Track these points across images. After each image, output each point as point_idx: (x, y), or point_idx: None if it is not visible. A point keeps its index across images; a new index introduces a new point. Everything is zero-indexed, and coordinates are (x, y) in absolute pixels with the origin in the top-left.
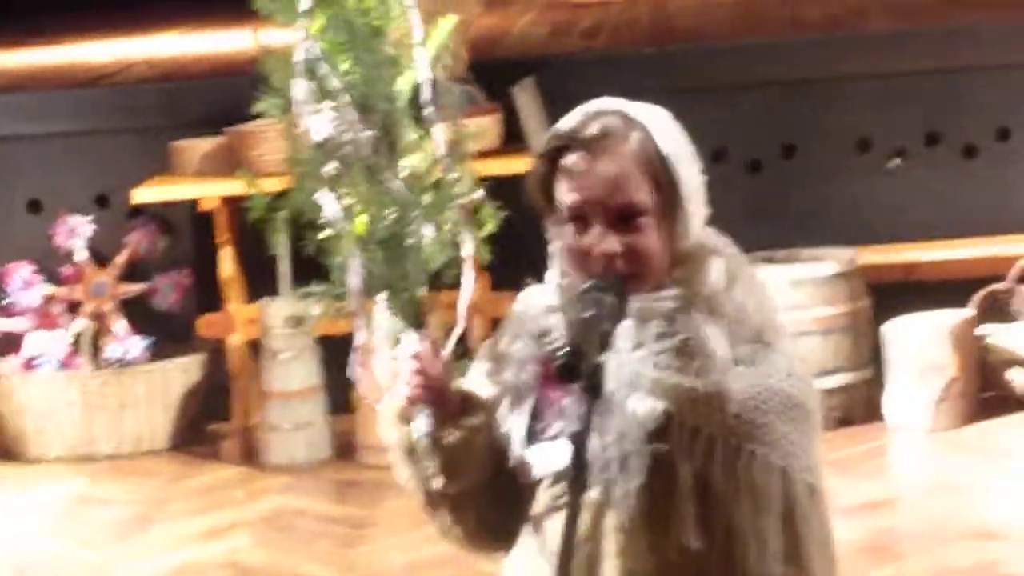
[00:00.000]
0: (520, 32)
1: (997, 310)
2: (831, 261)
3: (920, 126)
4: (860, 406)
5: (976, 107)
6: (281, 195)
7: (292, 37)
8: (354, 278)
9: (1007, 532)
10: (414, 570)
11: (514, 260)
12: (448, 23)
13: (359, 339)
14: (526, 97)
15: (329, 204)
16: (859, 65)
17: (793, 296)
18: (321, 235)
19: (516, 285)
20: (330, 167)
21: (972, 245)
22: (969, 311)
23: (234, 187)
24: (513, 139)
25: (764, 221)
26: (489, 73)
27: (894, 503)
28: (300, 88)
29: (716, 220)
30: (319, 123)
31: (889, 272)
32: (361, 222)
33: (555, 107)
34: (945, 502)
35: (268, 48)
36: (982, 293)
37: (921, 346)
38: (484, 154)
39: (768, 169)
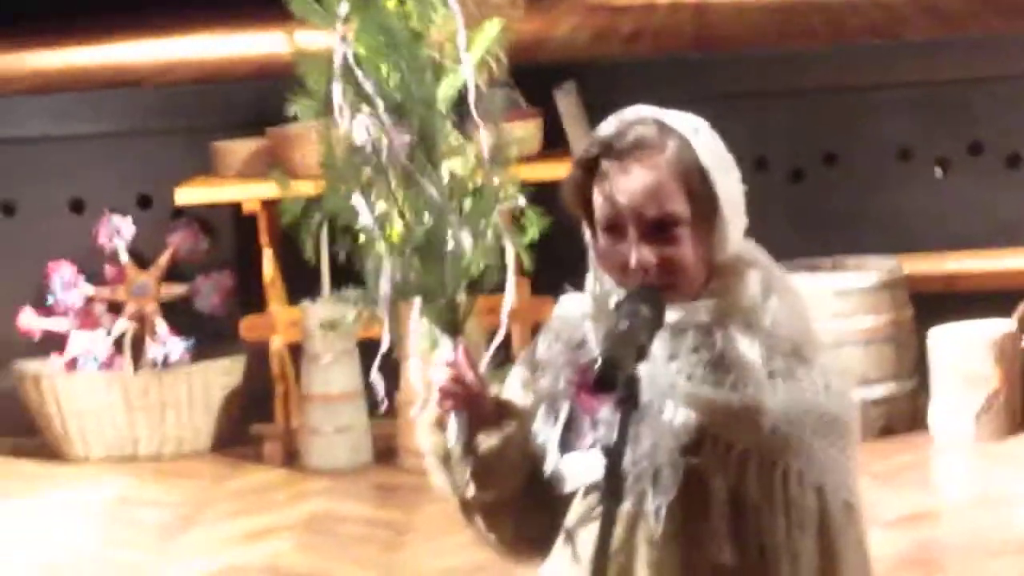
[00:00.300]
0: (562, 36)
1: None
2: (874, 270)
3: (963, 135)
4: (903, 417)
5: (1020, 116)
6: (316, 199)
7: (328, 39)
8: (384, 284)
9: None
10: (453, 575)
11: (554, 265)
12: (493, 27)
13: (384, 346)
14: (568, 102)
15: (363, 209)
16: (901, 73)
17: (836, 305)
18: (354, 240)
19: (556, 290)
20: (365, 172)
21: (1016, 255)
22: (1013, 322)
23: (276, 189)
24: (554, 144)
25: (806, 230)
26: (531, 78)
27: (937, 515)
28: (336, 92)
29: (758, 228)
30: (354, 127)
31: (932, 282)
32: (396, 228)
33: (596, 112)
34: (988, 514)
35: (304, 50)
36: None
37: (964, 357)
38: (525, 159)
39: (810, 178)
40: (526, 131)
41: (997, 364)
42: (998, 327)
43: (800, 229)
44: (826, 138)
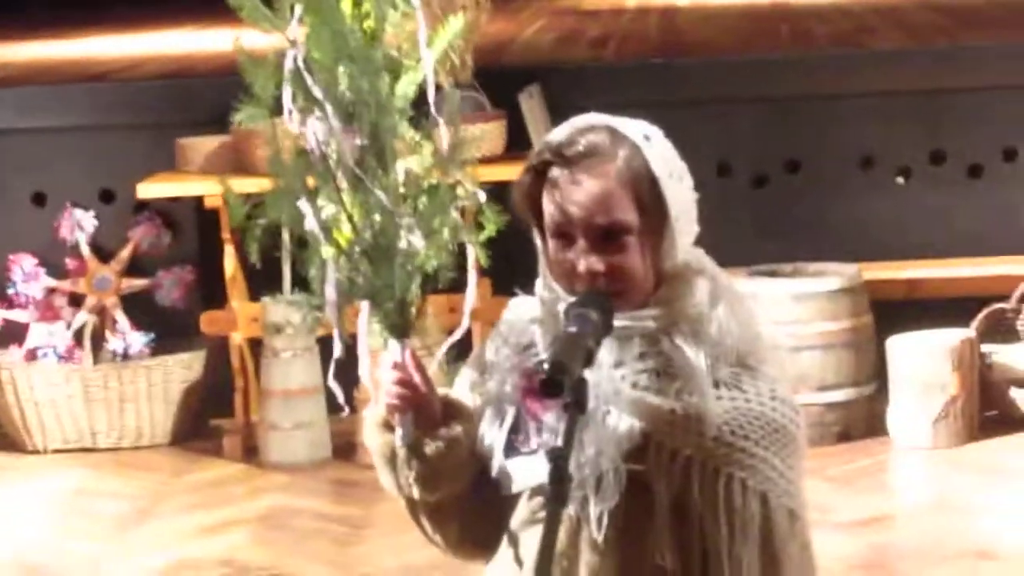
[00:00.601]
0: (528, 39)
1: (1000, 330)
2: (835, 276)
3: (925, 144)
4: (861, 422)
5: (982, 126)
6: (262, 202)
7: (278, 42)
8: (330, 290)
9: (1005, 552)
10: (409, 572)
11: (516, 265)
12: (456, 22)
13: (336, 352)
14: (531, 104)
15: (309, 214)
16: (865, 82)
17: (796, 310)
18: (301, 244)
19: (523, 289)
20: (311, 176)
21: (976, 264)
22: (971, 330)
23: (239, 185)
24: (518, 146)
25: (768, 236)
26: (495, 80)
27: (893, 519)
28: (285, 96)
29: (720, 233)
30: (305, 131)
31: (892, 289)
32: (344, 232)
33: (560, 115)
34: (945, 520)
35: (251, 56)
36: (985, 312)
37: (923, 364)
38: (488, 160)
39: (773, 184)
40: (489, 131)
41: (955, 371)
42: (956, 335)
43: (762, 235)
44: (790, 145)
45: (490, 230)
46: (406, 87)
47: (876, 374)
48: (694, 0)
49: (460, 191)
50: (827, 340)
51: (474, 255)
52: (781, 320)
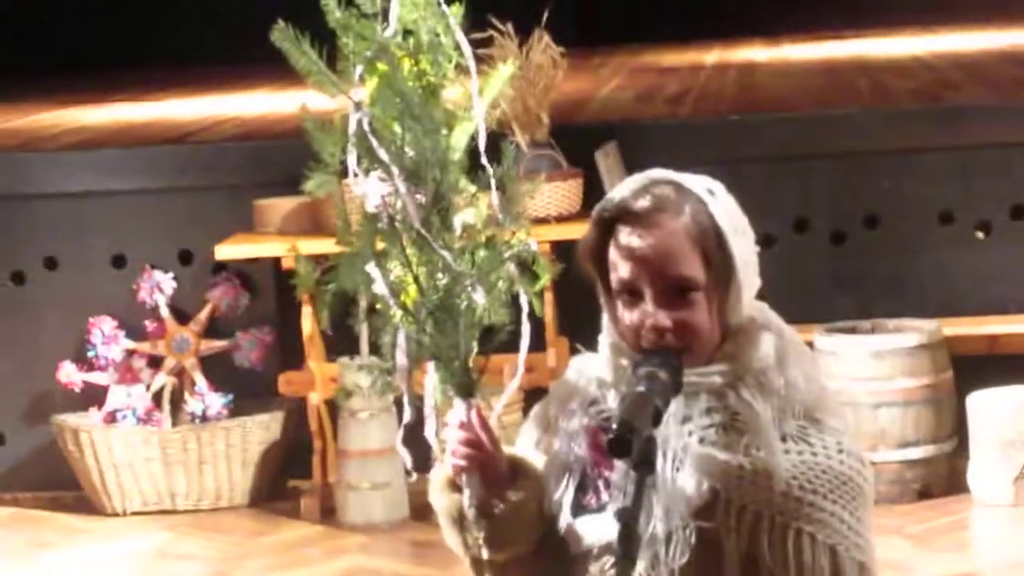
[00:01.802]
0: (605, 96)
1: None
2: (914, 332)
3: (1005, 199)
4: (941, 479)
5: None
6: (335, 266)
7: (342, 107)
8: (400, 357)
9: None
10: None
11: (594, 324)
12: (505, 71)
13: (407, 417)
14: (609, 162)
15: (378, 279)
16: (943, 137)
17: (875, 367)
18: (371, 309)
19: (586, 347)
20: (378, 240)
21: None
22: None
23: (315, 246)
24: (595, 204)
25: (847, 292)
26: (572, 137)
27: None
28: (351, 161)
29: (798, 289)
30: (369, 193)
31: (972, 344)
32: (410, 294)
33: (638, 172)
34: None
35: (316, 122)
36: None
37: (1004, 420)
38: (565, 218)
39: (851, 240)
40: (566, 190)
41: None
42: None
43: (841, 291)
44: (868, 200)
45: (544, 280)
46: (459, 138)
47: (956, 431)
48: (772, 56)
49: (513, 241)
50: (907, 397)
51: (536, 310)
52: (860, 377)
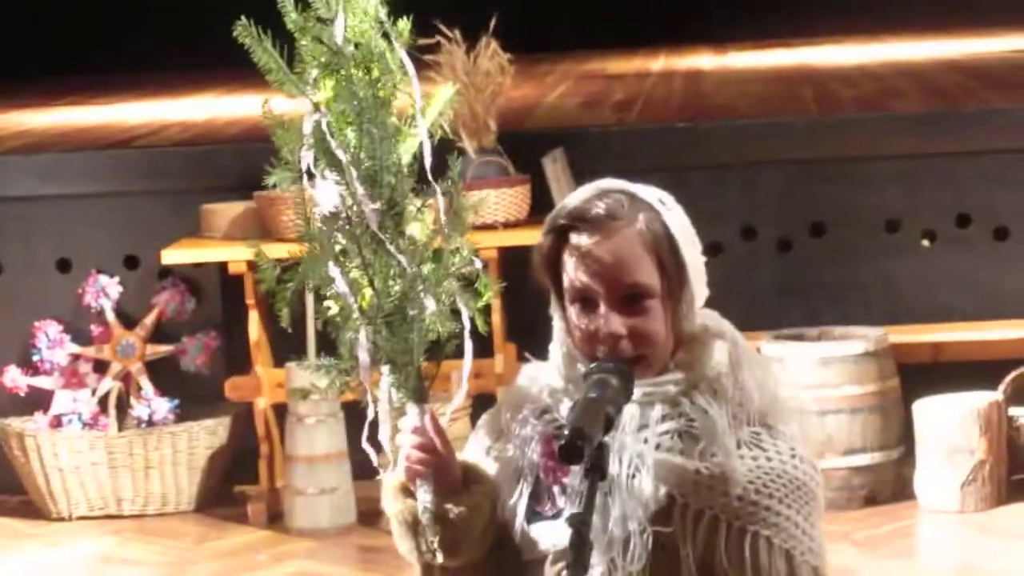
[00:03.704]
0: (552, 103)
1: None
2: (860, 340)
3: (951, 207)
4: (888, 485)
5: (1007, 190)
6: (294, 265)
7: (300, 106)
8: (363, 355)
9: None
10: None
11: (542, 330)
12: (446, 91)
13: (371, 413)
14: (556, 168)
15: (339, 278)
16: (890, 145)
17: (822, 374)
18: (329, 308)
19: (536, 354)
20: (338, 240)
21: (1003, 327)
22: (999, 393)
23: (265, 251)
24: (542, 210)
25: (793, 299)
26: (519, 144)
27: None
28: (306, 159)
29: (744, 297)
30: (325, 195)
31: (919, 352)
32: (366, 296)
33: (584, 179)
34: None
35: (278, 119)
36: (1013, 375)
37: (950, 427)
38: (513, 224)
39: (797, 248)
40: (513, 196)
41: (983, 435)
42: (984, 398)
43: (787, 298)
44: (814, 208)
45: (487, 297)
46: (403, 154)
47: (903, 438)
48: (718, 64)
49: (458, 258)
50: (853, 404)
51: (471, 323)
52: (807, 384)
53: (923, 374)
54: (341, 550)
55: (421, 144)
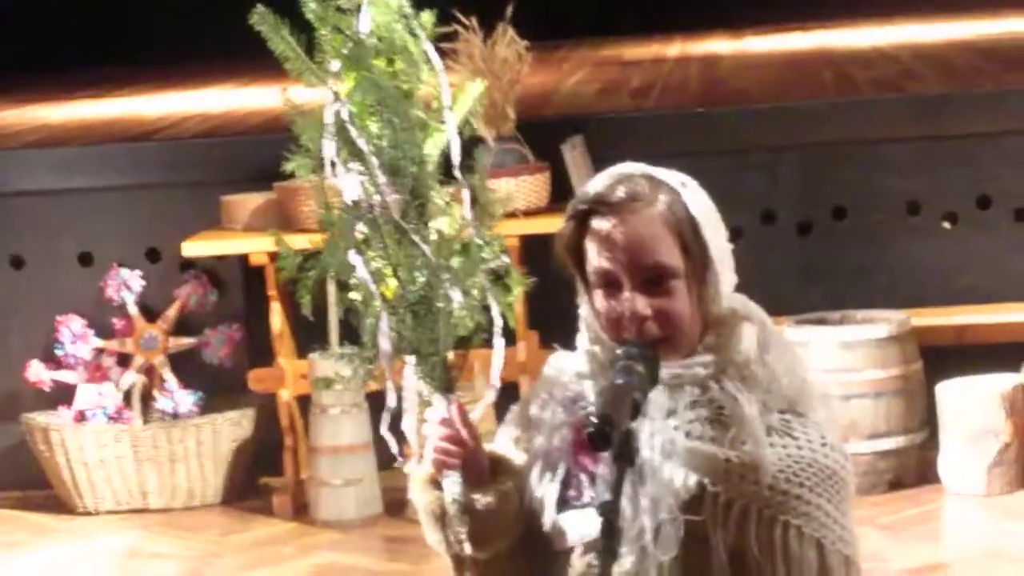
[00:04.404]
0: (570, 90)
1: None
2: (883, 323)
3: (971, 189)
4: (913, 469)
5: None
6: (316, 254)
7: (323, 97)
8: (384, 343)
9: None
10: None
11: (564, 318)
12: (476, 87)
13: (390, 401)
14: (575, 155)
15: (359, 266)
16: (910, 127)
17: (845, 358)
18: (352, 296)
19: (563, 343)
20: (359, 229)
21: None
22: (1022, 375)
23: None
24: (561, 197)
25: (815, 283)
26: (538, 131)
27: (946, 568)
28: (328, 149)
29: (765, 281)
30: (348, 184)
31: (941, 335)
32: (390, 286)
33: (603, 166)
34: (998, 568)
35: (298, 108)
36: None
37: (974, 410)
38: (533, 212)
39: (818, 231)
40: (532, 184)
41: (1007, 417)
42: (1007, 380)
43: (809, 282)
44: (835, 191)
45: (516, 292)
46: (431, 149)
47: (927, 421)
48: (735, 48)
49: (487, 253)
50: (877, 388)
51: (502, 318)
52: (830, 368)
53: (946, 357)
54: (367, 541)
55: (448, 139)
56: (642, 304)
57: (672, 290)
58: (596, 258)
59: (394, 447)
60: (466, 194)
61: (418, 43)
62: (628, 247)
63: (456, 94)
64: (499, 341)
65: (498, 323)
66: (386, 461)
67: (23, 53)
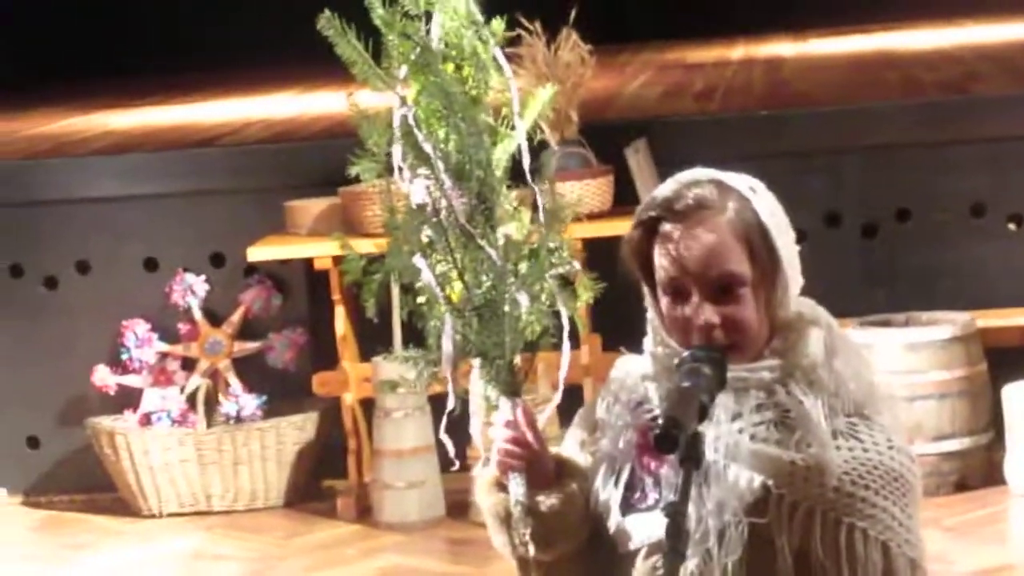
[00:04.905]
0: (633, 93)
1: None
2: (948, 325)
3: None
4: (978, 471)
5: None
6: (380, 258)
7: (388, 101)
8: (447, 345)
9: None
10: None
11: (626, 321)
12: (546, 92)
13: (450, 406)
14: (638, 159)
15: (424, 269)
16: (974, 129)
17: (910, 360)
18: (417, 300)
19: (629, 347)
20: (425, 233)
21: None
22: None
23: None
24: (625, 201)
25: (879, 285)
26: (601, 135)
27: (1012, 570)
28: (396, 153)
29: (830, 284)
30: (414, 189)
31: (1007, 336)
32: (456, 290)
33: (667, 169)
34: None
35: (364, 112)
36: None
37: None
38: (596, 215)
39: (883, 233)
40: (592, 189)
41: None
42: None
43: (873, 285)
44: (899, 193)
45: (585, 298)
46: (501, 154)
47: (992, 423)
48: (799, 51)
49: (556, 258)
50: (942, 389)
51: (569, 323)
52: (895, 370)
53: (1012, 358)
54: (430, 543)
55: (519, 144)
56: (711, 313)
57: (740, 298)
58: (664, 266)
59: (451, 450)
60: (537, 197)
61: (487, 49)
62: (697, 256)
63: (526, 99)
64: (566, 347)
65: (566, 328)
66: (449, 463)
67: (87, 61)
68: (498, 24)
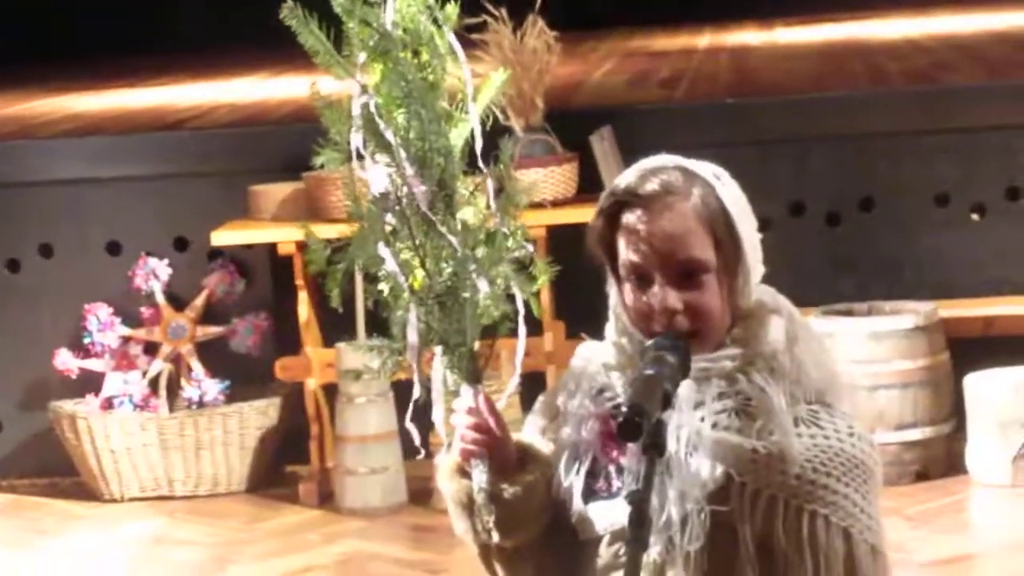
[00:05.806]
0: (598, 81)
1: None
2: (911, 315)
3: (1000, 181)
4: (939, 460)
5: None
6: (344, 245)
7: (349, 89)
8: (412, 334)
9: None
10: None
11: (589, 308)
12: (499, 77)
13: (416, 393)
14: (603, 146)
15: (388, 258)
16: (938, 119)
17: (872, 349)
18: (380, 288)
19: (592, 333)
20: (388, 220)
21: None
22: None
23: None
24: (589, 188)
25: (843, 274)
26: (567, 122)
27: (973, 559)
28: (357, 141)
29: (794, 272)
30: (376, 177)
31: (969, 326)
32: (418, 277)
33: (632, 157)
34: None
35: (327, 100)
36: None
37: (1001, 401)
38: (561, 203)
39: (847, 222)
40: (560, 175)
41: None
42: None
43: (837, 273)
44: (864, 183)
45: (540, 281)
46: (455, 139)
47: (954, 412)
48: (765, 39)
49: (511, 242)
50: (904, 379)
51: (526, 307)
52: (857, 359)
53: (974, 348)
54: (392, 529)
55: (472, 129)
56: (673, 298)
57: (704, 284)
58: (627, 252)
59: (417, 439)
60: (490, 184)
61: (443, 34)
62: (660, 242)
63: (479, 84)
64: (522, 330)
65: (521, 312)
66: (412, 450)
67: (53, 43)
68: (452, 8)
